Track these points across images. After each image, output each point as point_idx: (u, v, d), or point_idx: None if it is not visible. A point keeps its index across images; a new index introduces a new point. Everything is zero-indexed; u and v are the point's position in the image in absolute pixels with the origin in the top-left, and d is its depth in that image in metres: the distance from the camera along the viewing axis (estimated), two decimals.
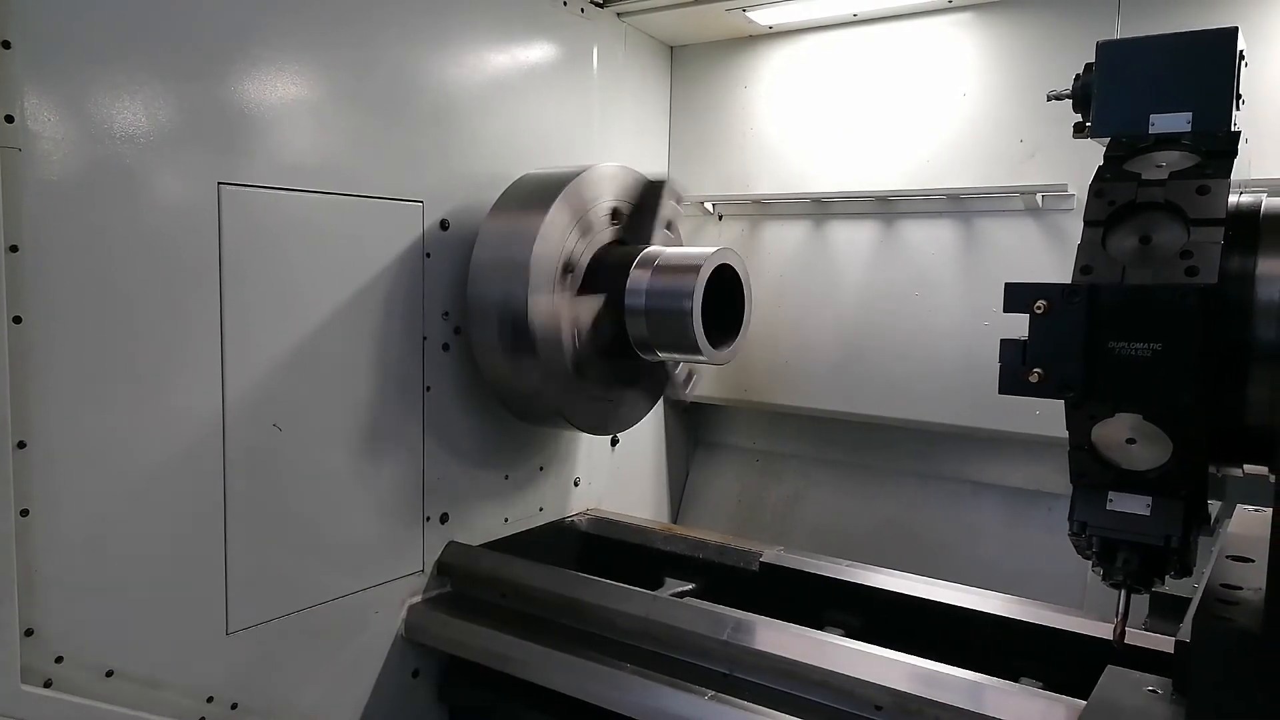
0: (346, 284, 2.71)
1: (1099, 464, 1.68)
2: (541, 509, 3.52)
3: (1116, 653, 1.80)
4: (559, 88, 3.45)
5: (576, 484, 3.69)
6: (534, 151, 3.30)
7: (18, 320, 2.02)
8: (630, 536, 3.52)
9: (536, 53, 3.34)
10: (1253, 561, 1.79)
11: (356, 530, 2.80)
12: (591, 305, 2.96)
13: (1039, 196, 3.22)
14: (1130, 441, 1.63)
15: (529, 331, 2.79)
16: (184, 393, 2.34)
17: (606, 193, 3.03)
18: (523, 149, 3.26)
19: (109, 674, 2.23)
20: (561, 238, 2.89)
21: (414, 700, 3.01)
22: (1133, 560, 1.67)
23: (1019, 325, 1.69)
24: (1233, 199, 1.64)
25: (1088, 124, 1.85)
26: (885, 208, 3.61)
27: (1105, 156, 1.77)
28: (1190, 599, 1.73)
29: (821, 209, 3.77)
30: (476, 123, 3.10)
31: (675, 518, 4.36)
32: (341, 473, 2.74)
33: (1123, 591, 1.72)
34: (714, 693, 2.37)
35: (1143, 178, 1.68)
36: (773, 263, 3.88)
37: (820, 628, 2.63)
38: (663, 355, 3.04)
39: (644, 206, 3.11)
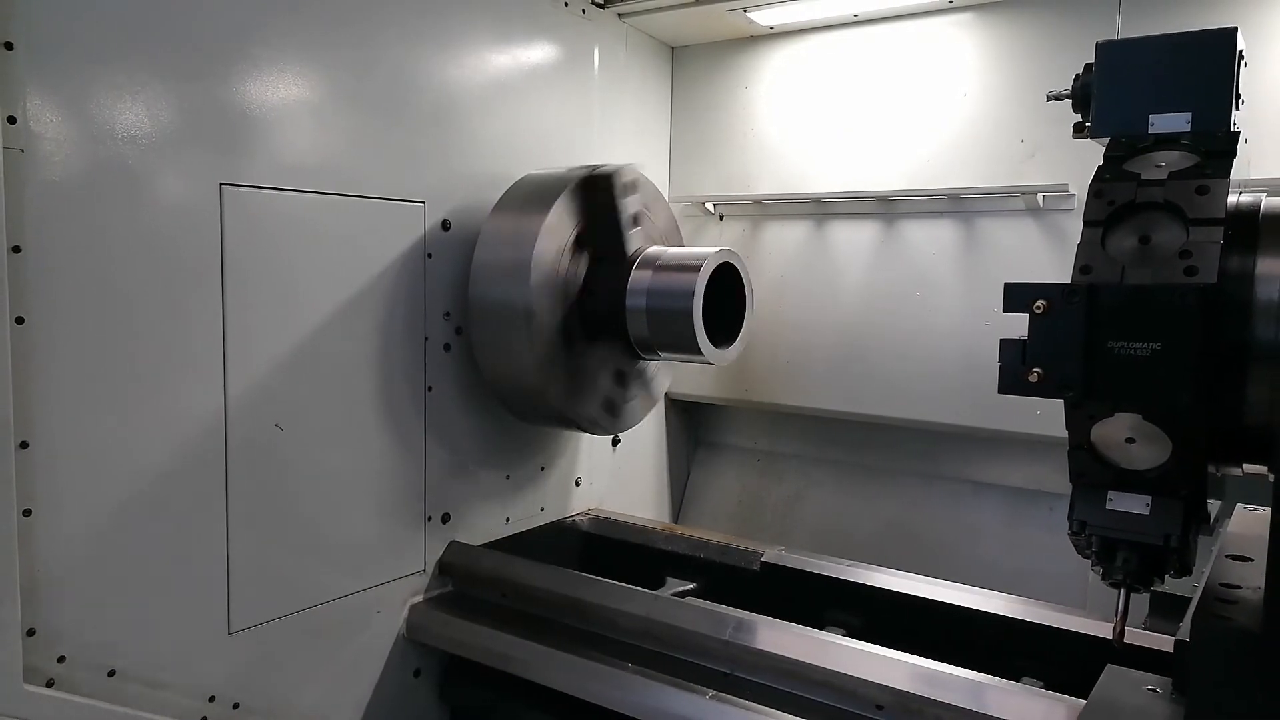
0: (348, 284, 2.72)
1: (1098, 463, 1.69)
2: (543, 509, 3.53)
3: (1116, 652, 1.80)
4: (560, 88, 3.45)
5: (578, 484, 3.69)
6: (535, 152, 3.30)
7: (20, 321, 2.02)
8: (631, 536, 3.52)
9: (537, 53, 3.34)
10: (1252, 561, 1.79)
11: (358, 530, 2.80)
12: (593, 305, 2.96)
13: (1039, 196, 3.23)
14: (1129, 441, 1.64)
15: (530, 332, 2.80)
16: (186, 393, 2.35)
17: None
18: (524, 149, 3.26)
19: (111, 674, 2.23)
20: (563, 238, 2.89)
21: (415, 700, 3.01)
22: (1132, 559, 1.67)
23: (1019, 325, 1.69)
24: (1232, 199, 1.64)
25: (1087, 124, 1.85)
26: (886, 208, 3.61)
27: (1105, 156, 1.77)
28: (1190, 598, 1.73)
29: (822, 209, 3.77)
30: (477, 123, 3.10)
31: (676, 518, 4.37)
32: (343, 472, 2.74)
33: (1122, 591, 1.73)
34: (715, 692, 2.37)
35: (1142, 178, 1.68)
36: (773, 263, 3.88)
37: (821, 627, 2.63)
38: (664, 355, 3.05)
39: (600, 210, 2.98)
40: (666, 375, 3.36)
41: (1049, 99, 1.94)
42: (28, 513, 2.06)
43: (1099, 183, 1.72)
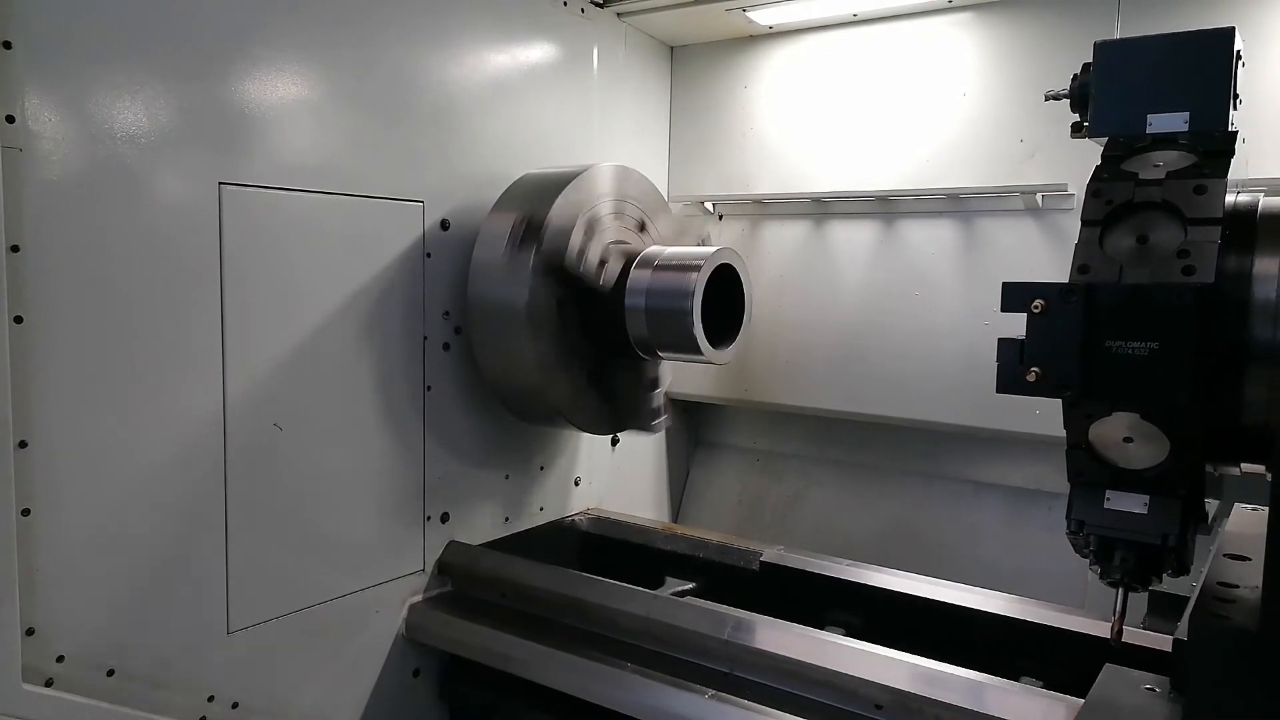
0: (347, 284, 2.72)
1: (1096, 463, 1.69)
2: (542, 508, 3.53)
3: (1115, 651, 1.80)
4: (559, 88, 3.45)
5: (577, 483, 3.69)
6: (534, 151, 3.30)
7: (19, 320, 2.03)
8: (631, 536, 3.52)
9: (536, 53, 3.34)
10: (1250, 560, 1.79)
11: (357, 529, 2.80)
12: (592, 305, 2.96)
13: (1039, 196, 3.23)
14: (1127, 440, 1.64)
15: (529, 331, 2.80)
16: (185, 392, 2.35)
17: (607, 192, 3.03)
18: (523, 149, 3.26)
19: (110, 673, 2.23)
20: (564, 232, 2.89)
21: (415, 700, 3.01)
22: (1130, 559, 1.67)
23: (1019, 325, 1.69)
24: (1230, 198, 1.64)
25: (1085, 124, 1.85)
26: (885, 207, 3.61)
27: (1103, 156, 1.77)
28: (1188, 597, 1.73)
29: (821, 209, 3.77)
30: (477, 123, 3.10)
31: (676, 517, 4.37)
32: (342, 472, 2.74)
33: (1120, 590, 1.73)
34: (715, 692, 2.37)
35: (1140, 177, 1.68)
36: (773, 262, 3.88)
37: (821, 627, 2.64)
38: (663, 355, 3.05)
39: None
40: (666, 375, 3.36)
41: (1047, 99, 1.94)
42: (26, 512, 2.06)
43: (1097, 182, 1.72)
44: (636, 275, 2.95)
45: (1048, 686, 2.15)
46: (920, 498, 3.81)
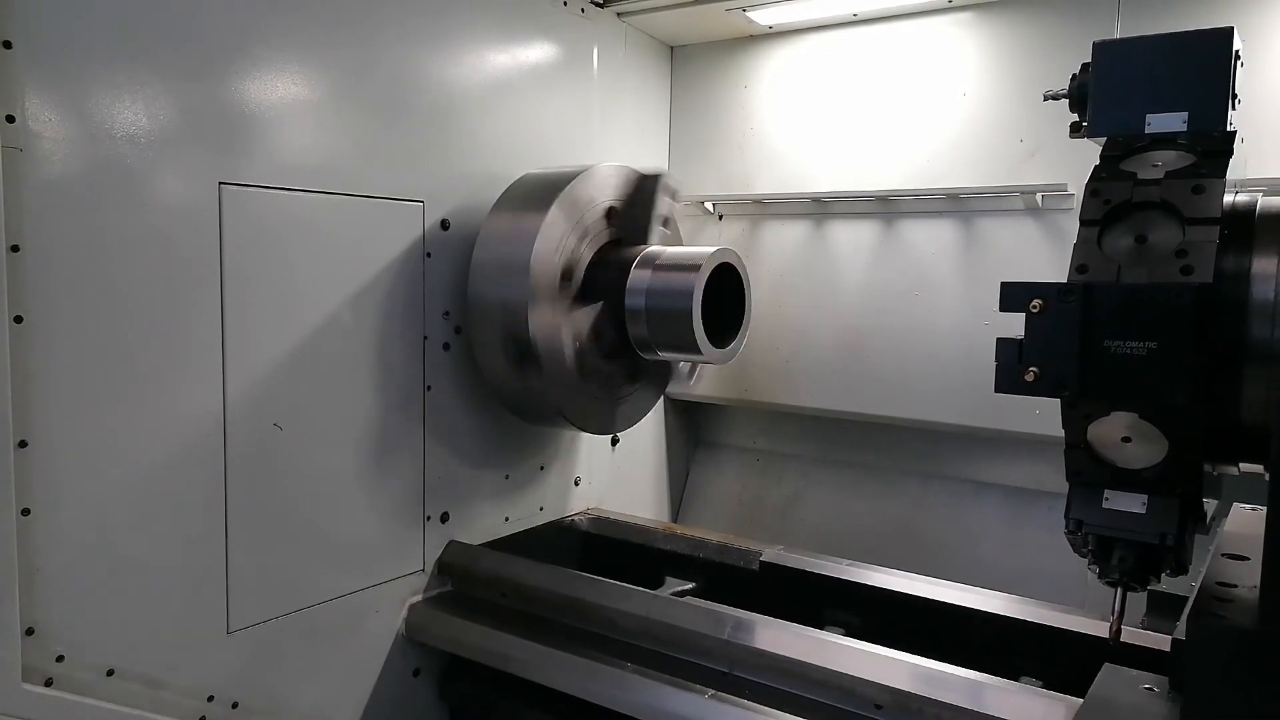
0: (347, 284, 2.72)
1: (1095, 462, 1.69)
2: (542, 508, 3.53)
3: (1114, 651, 1.80)
4: (559, 88, 3.45)
5: (577, 483, 3.69)
6: (534, 151, 3.31)
7: (19, 320, 2.03)
8: (631, 536, 3.52)
9: (536, 53, 3.35)
10: (1248, 559, 1.79)
11: (357, 529, 2.80)
12: (592, 305, 2.97)
13: (1039, 196, 3.23)
14: (1126, 440, 1.64)
15: (529, 331, 2.80)
16: (185, 392, 2.35)
17: (607, 192, 3.03)
18: (523, 149, 3.26)
19: (110, 673, 2.23)
20: (562, 237, 2.89)
21: (415, 699, 3.01)
22: (1128, 558, 1.67)
23: (1019, 324, 1.69)
24: (1228, 198, 1.64)
25: (1084, 124, 1.85)
26: (885, 207, 3.61)
27: (1101, 156, 1.77)
28: (1187, 597, 1.73)
29: (822, 209, 3.77)
30: (477, 123, 3.10)
31: (675, 517, 4.37)
32: (342, 472, 2.74)
33: (1118, 589, 1.73)
34: (714, 691, 2.37)
35: (1139, 177, 1.68)
36: (773, 262, 3.89)
37: (821, 627, 2.64)
38: (663, 355, 3.05)
39: (639, 201, 3.09)
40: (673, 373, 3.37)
41: (1046, 98, 1.94)
42: (26, 512, 2.06)
43: (1095, 182, 1.72)
44: (637, 275, 2.95)
45: (1047, 686, 2.15)
46: (920, 498, 3.82)
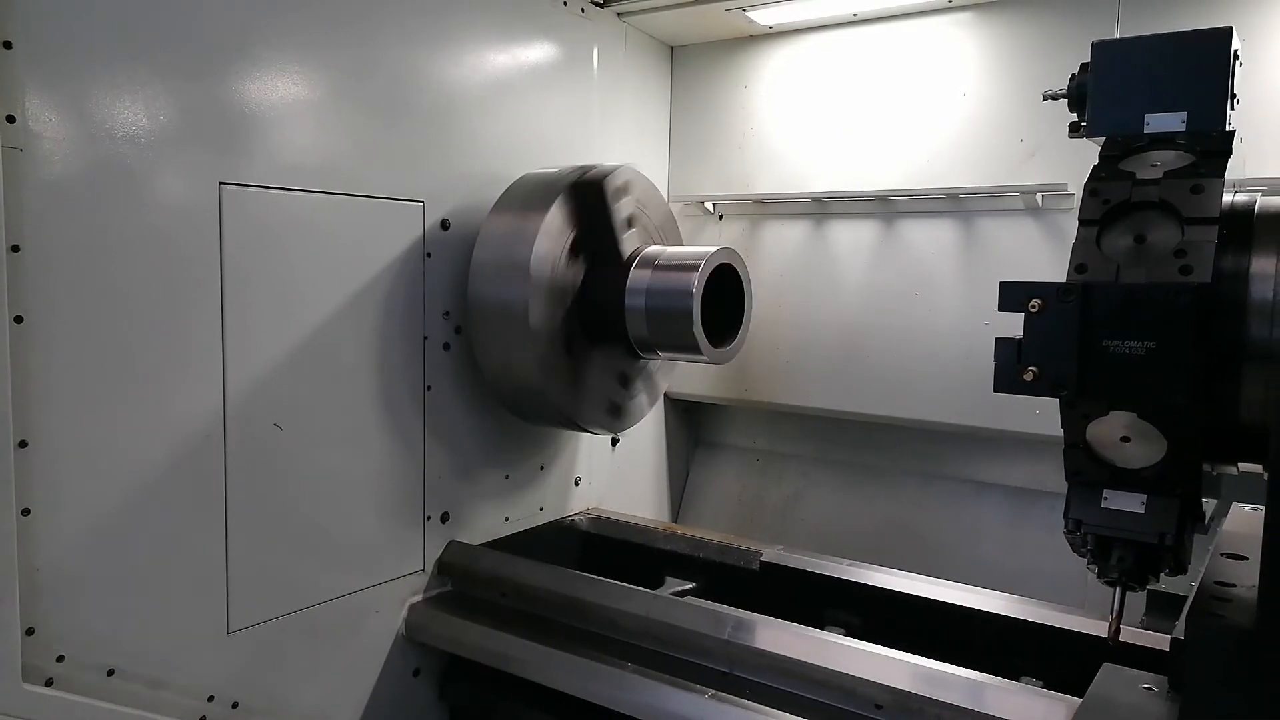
0: (347, 283, 2.72)
1: (1094, 462, 1.69)
2: (542, 508, 3.53)
3: (1113, 650, 1.80)
4: (559, 88, 3.45)
5: (577, 483, 3.70)
6: (534, 151, 3.31)
7: (19, 320, 2.03)
8: (631, 536, 3.52)
9: (536, 53, 3.35)
10: (1247, 559, 1.80)
11: (357, 529, 2.81)
12: (592, 305, 2.97)
13: (1039, 196, 3.23)
14: (1125, 440, 1.64)
15: (530, 331, 2.80)
16: (185, 392, 2.35)
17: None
18: (523, 149, 3.27)
19: (110, 673, 2.23)
20: (562, 237, 2.90)
21: (415, 699, 3.02)
22: (1127, 558, 1.67)
23: (1019, 325, 1.69)
24: (1227, 198, 1.64)
25: (1083, 123, 1.85)
26: (885, 207, 3.61)
27: (1100, 156, 1.77)
28: (1186, 597, 1.74)
29: (822, 209, 3.78)
30: (477, 122, 3.10)
31: (676, 517, 4.37)
32: (342, 472, 2.75)
33: (1118, 589, 1.73)
34: (714, 691, 2.37)
35: (1137, 177, 1.68)
36: (773, 262, 3.89)
37: (821, 627, 2.64)
38: (663, 354, 3.05)
39: (594, 215, 2.97)
40: (666, 374, 3.36)
41: (1045, 98, 1.94)
42: (26, 512, 2.06)
43: (1094, 182, 1.73)
44: (636, 275, 2.95)
45: (1048, 686, 2.15)
46: (920, 498, 3.82)
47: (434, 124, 2.96)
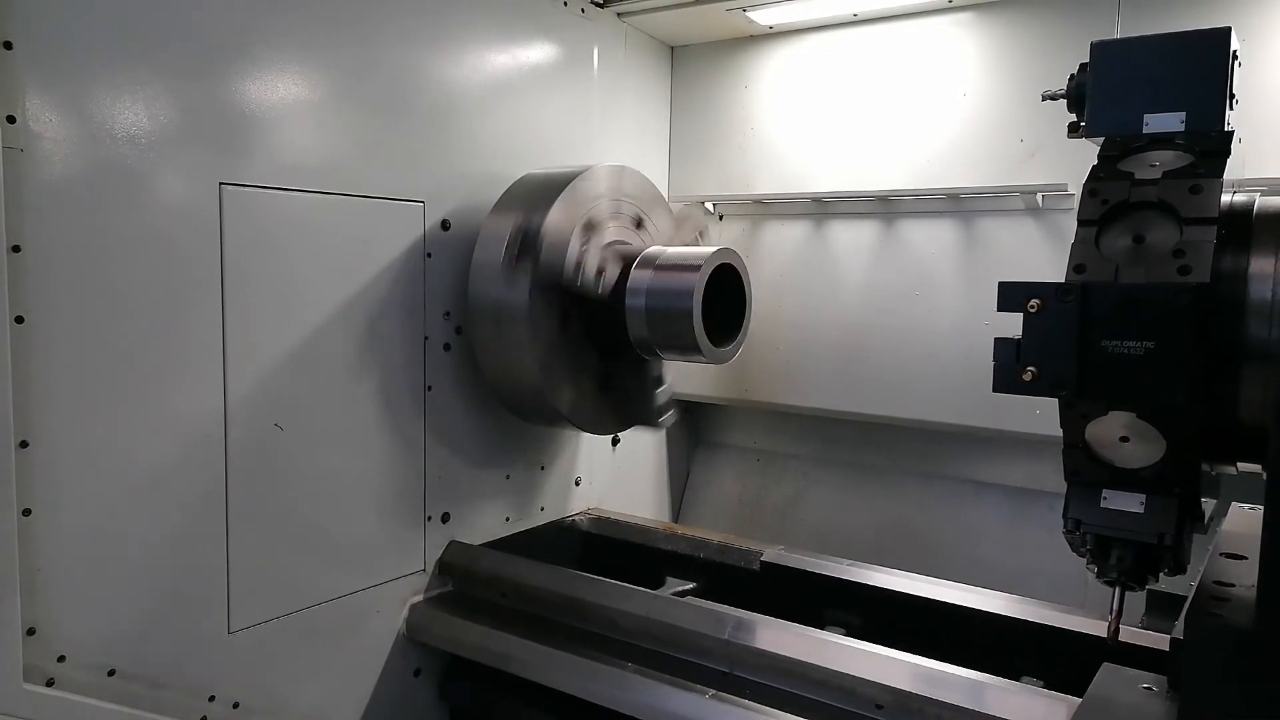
0: (348, 284, 2.72)
1: (1093, 462, 1.69)
2: (543, 508, 3.53)
3: (1113, 650, 1.80)
4: (559, 88, 3.45)
5: (577, 483, 3.70)
6: (534, 151, 3.31)
7: (20, 320, 2.03)
8: (631, 536, 3.52)
9: (537, 53, 3.35)
10: (1246, 559, 1.79)
11: (358, 529, 2.81)
12: (592, 305, 2.97)
13: (1039, 196, 3.23)
14: (1124, 440, 1.64)
15: (530, 331, 2.80)
16: (186, 392, 2.35)
17: (607, 192, 3.03)
18: (523, 149, 3.27)
19: (111, 673, 2.24)
20: (562, 238, 2.90)
21: (415, 699, 3.02)
22: (1126, 558, 1.67)
23: (1019, 325, 1.69)
24: (1226, 198, 1.64)
25: (1082, 124, 1.85)
26: (885, 207, 3.61)
27: (1099, 156, 1.77)
28: (1185, 596, 1.74)
29: (822, 209, 3.78)
30: (477, 123, 3.11)
31: (676, 517, 4.37)
32: (343, 472, 2.75)
33: (1117, 589, 1.73)
34: (715, 691, 2.37)
35: (1136, 177, 1.68)
36: (773, 262, 3.89)
37: (821, 627, 2.64)
38: (664, 355, 3.05)
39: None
40: (668, 373, 3.36)
41: (1044, 98, 1.94)
42: (27, 512, 2.07)
43: (1093, 182, 1.73)
44: (637, 275, 2.95)
45: (1048, 686, 2.15)
46: (920, 498, 3.82)
47: (434, 124, 2.96)
